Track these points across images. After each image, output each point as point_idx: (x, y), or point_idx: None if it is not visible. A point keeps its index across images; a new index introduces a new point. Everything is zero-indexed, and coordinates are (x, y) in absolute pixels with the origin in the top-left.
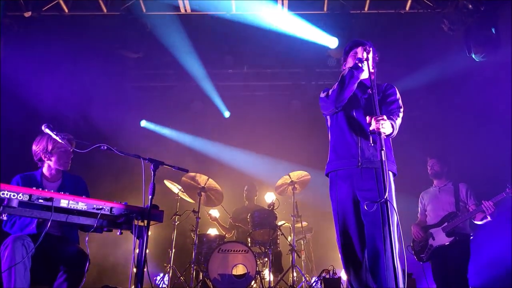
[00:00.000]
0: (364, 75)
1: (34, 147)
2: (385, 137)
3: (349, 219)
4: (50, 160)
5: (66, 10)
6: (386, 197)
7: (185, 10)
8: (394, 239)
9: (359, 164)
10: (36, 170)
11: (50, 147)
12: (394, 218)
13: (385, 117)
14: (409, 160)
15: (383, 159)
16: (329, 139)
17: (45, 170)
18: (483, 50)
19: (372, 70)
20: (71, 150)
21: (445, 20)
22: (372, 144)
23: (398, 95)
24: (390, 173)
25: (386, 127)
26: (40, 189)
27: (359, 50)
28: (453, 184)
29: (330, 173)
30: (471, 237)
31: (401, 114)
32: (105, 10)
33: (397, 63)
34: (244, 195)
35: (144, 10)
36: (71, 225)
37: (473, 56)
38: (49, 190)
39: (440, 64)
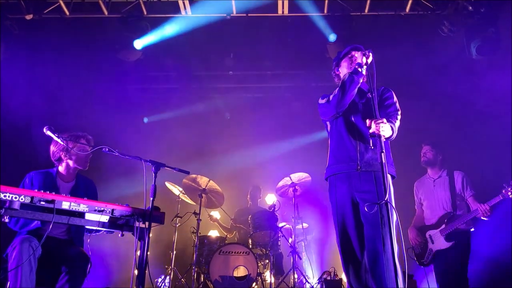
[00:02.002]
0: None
1: (52, 147)
2: (384, 140)
3: (348, 220)
4: (71, 159)
5: (67, 13)
6: (387, 198)
7: (186, 12)
8: (394, 240)
9: (358, 167)
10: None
11: (70, 146)
12: (394, 220)
13: (384, 120)
14: (408, 159)
15: (383, 161)
16: (329, 143)
17: (61, 169)
18: (484, 51)
19: (365, 73)
20: (90, 149)
21: (445, 21)
22: (372, 147)
23: (395, 99)
24: (389, 176)
25: (385, 129)
26: (55, 188)
27: (359, 55)
28: (448, 173)
29: (330, 177)
30: (472, 230)
31: (399, 117)
32: (106, 12)
33: (397, 65)
34: (248, 197)
35: (145, 13)
36: (78, 229)
37: (474, 57)
38: (63, 190)
39: (440, 64)
